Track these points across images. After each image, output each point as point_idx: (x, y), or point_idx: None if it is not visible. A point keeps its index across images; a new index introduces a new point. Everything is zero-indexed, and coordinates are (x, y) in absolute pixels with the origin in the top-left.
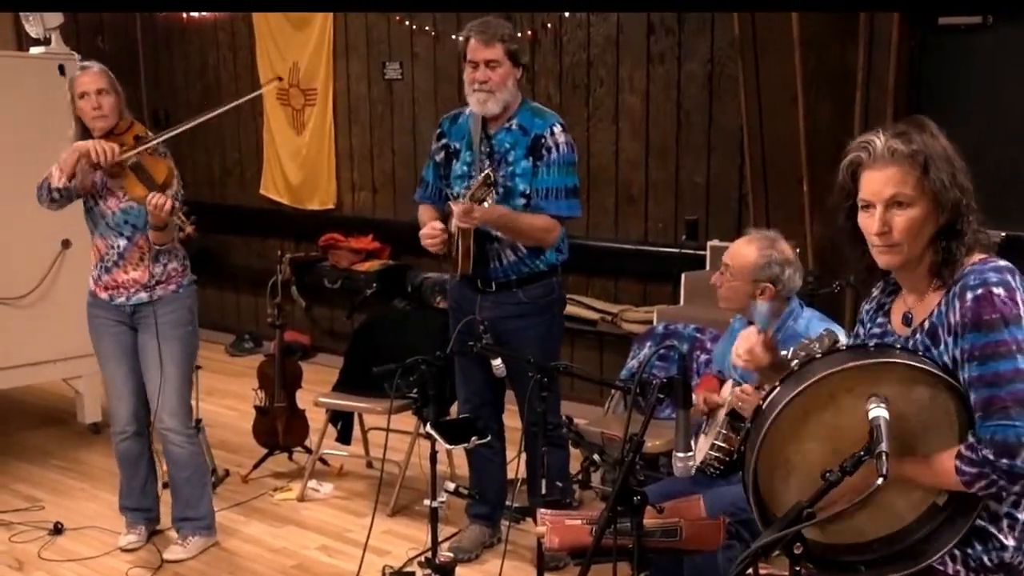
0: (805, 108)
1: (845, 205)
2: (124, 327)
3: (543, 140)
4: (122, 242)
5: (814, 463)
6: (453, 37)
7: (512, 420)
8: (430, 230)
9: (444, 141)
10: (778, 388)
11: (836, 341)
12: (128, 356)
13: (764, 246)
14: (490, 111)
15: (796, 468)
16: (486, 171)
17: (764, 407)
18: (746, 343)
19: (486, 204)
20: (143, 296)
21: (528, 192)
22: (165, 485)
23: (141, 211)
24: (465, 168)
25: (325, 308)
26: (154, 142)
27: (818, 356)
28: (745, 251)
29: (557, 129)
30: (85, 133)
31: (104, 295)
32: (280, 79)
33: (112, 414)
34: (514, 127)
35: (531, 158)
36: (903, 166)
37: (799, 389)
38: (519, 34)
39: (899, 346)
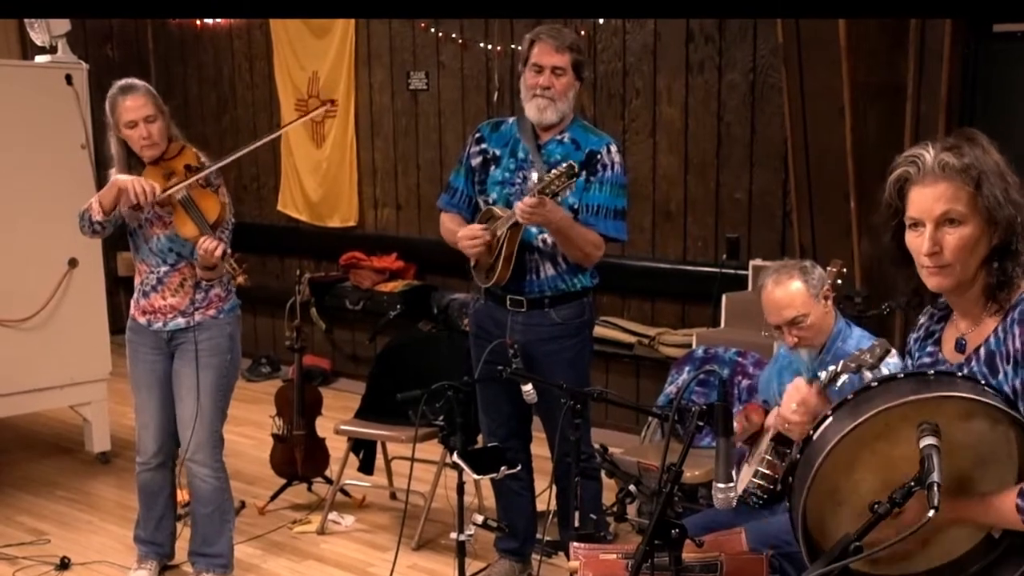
0: (852, 120)
1: (892, 223)
2: (160, 355)
3: (599, 156)
4: (164, 268)
5: (866, 494)
6: (481, 45)
7: (540, 449)
8: (470, 231)
9: (483, 146)
10: (831, 418)
11: (888, 351)
12: (161, 385)
13: (792, 269)
14: (547, 119)
15: (847, 499)
16: (570, 162)
17: (815, 437)
18: (797, 395)
19: (559, 198)
20: (180, 322)
21: (576, 207)
22: (179, 517)
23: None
24: (507, 175)
25: (346, 331)
26: (206, 172)
27: (875, 385)
28: (793, 290)
29: (614, 148)
30: (125, 151)
31: (142, 319)
32: (333, 102)
33: (138, 442)
34: (566, 140)
35: (584, 173)
36: (954, 182)
37: (854, 424)
38: None
39: (960, 374)
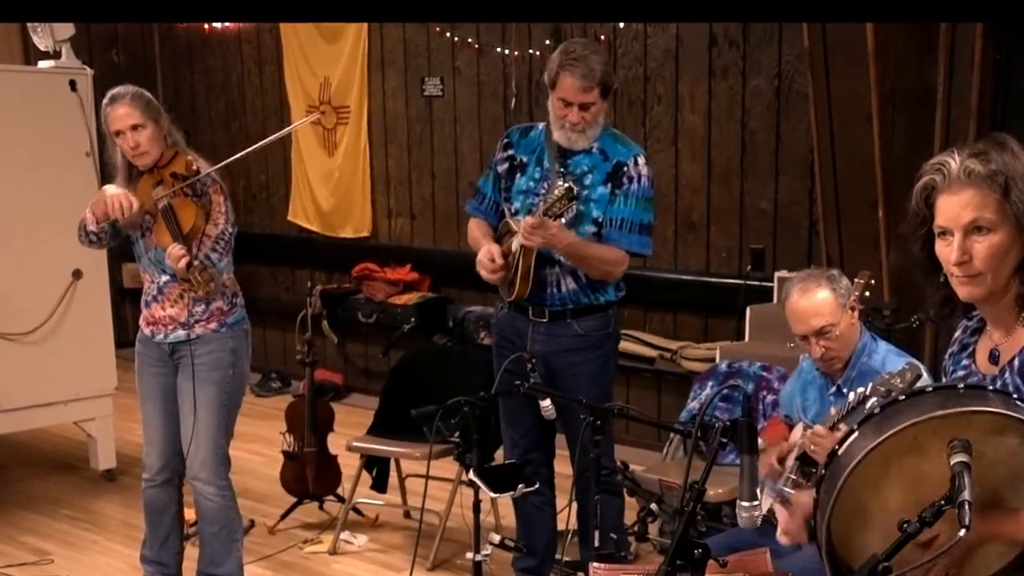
0: (881, 127)
1: (920, 233)
2: (164, 367)
3: (625, 168)
4: (164, 278)
5: (895, 511)
6: (498, 50)
7: (563, 466)
8: (488, 259)
9: (511, 152)
10: (856, 434)
11: (919, 376)
12: (165, 399)
13: (819, 278)
14: (577, 146)
15: (875, 517)
16: (568, 184)
17: (840, 453)
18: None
19: (562, 221)
20: (180, 334)
21: (601, 220)
22: (187, 537)
23: None
24: (532, 184)
25: (359, 344)
26: (190, 181)
27: (902, 399)
28: (820, 298)
29: (641, 160)
30: (125, 160)
31: (147, 330)
32: (322, 113)
33: (143, 458)
34: (595, 151)
35: (609, 185)
36: (981, 188)
37: (881, 439)
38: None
39: (991, 387)
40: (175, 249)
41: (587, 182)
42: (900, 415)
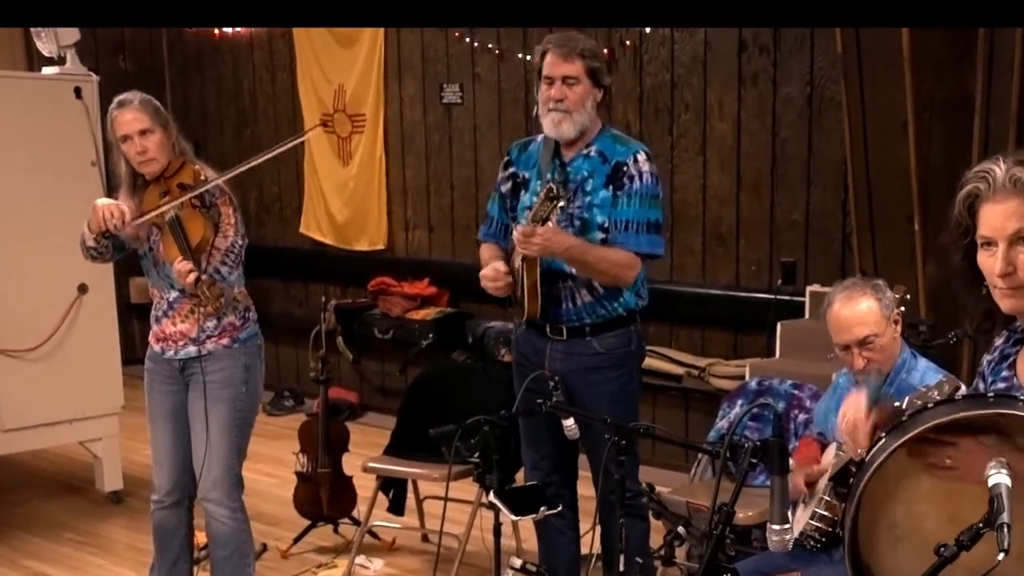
0: (917, 136)
1: (962, 243)
2: (175, 385)
3: (625, 168)
4: (173, 294)
5: (928, 530)
6: (520, 56)
7: (586, 488)
8: (491, 271)
9: (512, 170)
10: (883, 439)
11: (957, 388)
12: (175, 418)
13: (864, 287)
14: (565, 134)
15: (906, 533)
16: (548, 184)
17: (867, 459)
18: (853, 414)
19: (550, 224)
20: (191, 350)
21: (607, 225)
22: (198, 561)
23: None
24: (535, 199)
25: (375, 361)
26: (197, 192)
27: (930, 407)
28: (865, 308)
29: (641, 157)
30: (130, 170)
31: (157, 347)
32: (326, 124)
33: (152, 479)
34: (592, 154)
35: (611, 187)
36: None
37: (903, 439)
38: None
39: (1023, 397)
40: (181, 264)
41: (588, 187)
42: (924, 418)
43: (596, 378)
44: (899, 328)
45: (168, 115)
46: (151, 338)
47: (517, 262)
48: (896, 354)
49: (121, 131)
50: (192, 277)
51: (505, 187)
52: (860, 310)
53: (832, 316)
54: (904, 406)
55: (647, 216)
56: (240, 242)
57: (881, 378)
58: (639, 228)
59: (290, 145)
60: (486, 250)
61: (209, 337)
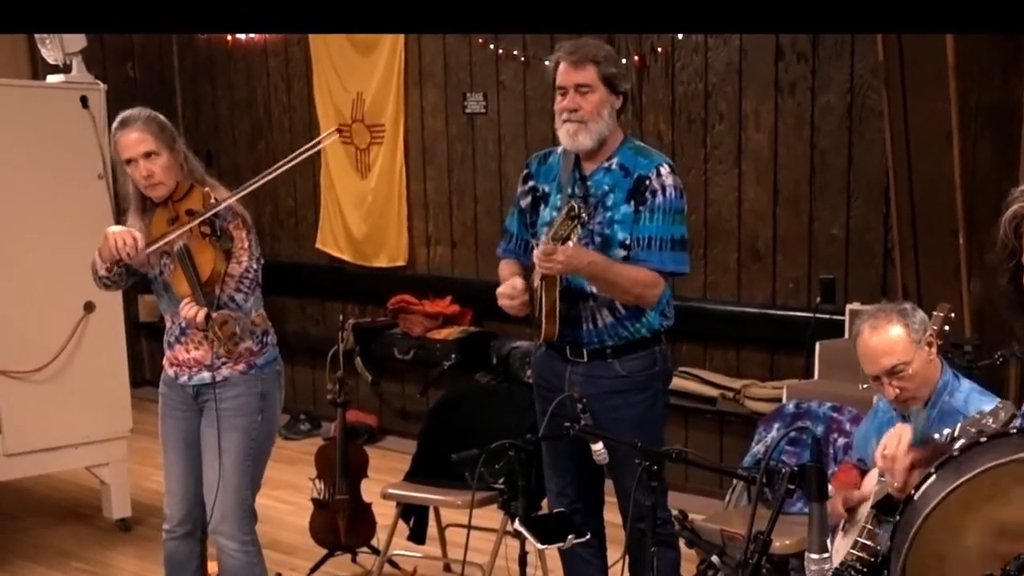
0: (962, 147)
1: (1009, 265)
2: (189, 411)
3: (647, 182)
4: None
5: (975, 561)
6: (546, 63)
7: (612, 515)
8: (508, 288)
9: (531, 184)
10: (933, 477)
11: (1014, 416)
12: (188, 445)
13: (890, 313)
14: (582, 145)
15: (954, 567)
16: (569, 203)
17: (916, 498)
18: (893, 449)
19: (571, 243)
20: (205, 376)
21: (628, 242)
22: None
23: None
24: (555, 214)
25: (395, 383)
26: (205, 217)
27: (983, 440)
28: (892, 336)
29: (664, 170)
30: (138, 190)
31: (171, 371)
32: (342, 131)
33: (164, 508)
34: (614, 167)
35: (633, 202)
36: None
37: (958, 483)
38: (623, 60)
39: None
40: (188, 310)
41: (609, 202)
42: (980, 457)
43: (617, 402)
44: (934, 350)
45: (176, 132)
46: (165, 362)
47: (536, 281)
48: (934, 377)
49: (125, 154)
50: (201, 315)
51: (525, 201)
52: (887, 338)
53: (860, 346)
54: (956, 433)
55: (671, 232)
56: (255, 266)
57: (927, 415)
58: (663, 245)
59: (303, 155)
60: (505, 267)
61: (225, 363)
